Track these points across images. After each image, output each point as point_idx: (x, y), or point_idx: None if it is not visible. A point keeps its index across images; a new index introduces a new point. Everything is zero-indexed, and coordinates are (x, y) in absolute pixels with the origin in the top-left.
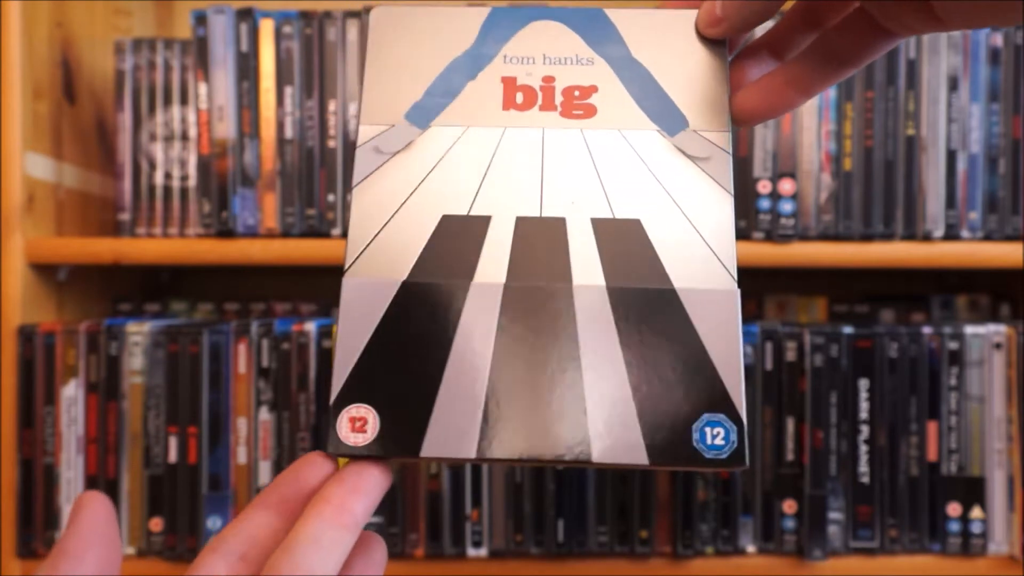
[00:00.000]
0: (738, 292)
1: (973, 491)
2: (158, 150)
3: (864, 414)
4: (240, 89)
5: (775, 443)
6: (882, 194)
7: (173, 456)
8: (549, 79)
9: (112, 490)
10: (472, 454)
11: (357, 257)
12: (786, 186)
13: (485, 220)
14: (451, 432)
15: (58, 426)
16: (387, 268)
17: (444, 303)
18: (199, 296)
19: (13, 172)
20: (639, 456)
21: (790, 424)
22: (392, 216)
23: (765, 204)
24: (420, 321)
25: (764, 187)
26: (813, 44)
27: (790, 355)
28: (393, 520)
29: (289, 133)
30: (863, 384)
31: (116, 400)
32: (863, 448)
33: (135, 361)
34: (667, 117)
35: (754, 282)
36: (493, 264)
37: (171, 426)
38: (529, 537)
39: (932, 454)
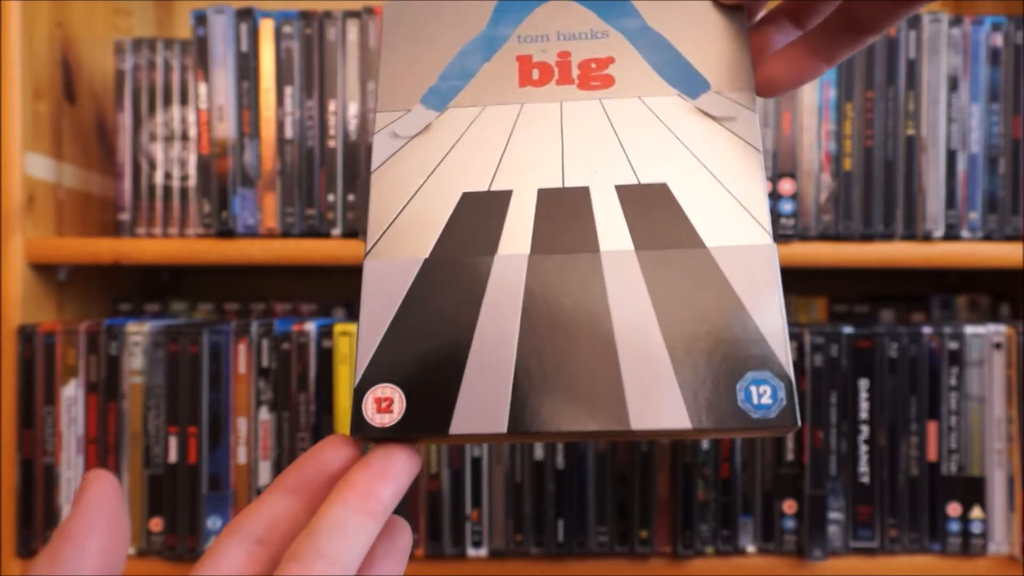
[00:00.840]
0: (775, 246)
1: (973, 491)
2: (158, 150)
3: (864, 414)
4: (240, 89)
5: (775, 443)
6: (882, 194)
7: (173, 456)
8: (564, 54)
9: None
10: (503, 429)
11: (378, 239)
12: (786, 186)
13: (506, 194)
14: (481, 408)
15: (58, 426)
16: (408, 248)
17: (468, 278)
18: (199, 296)
19: (13, 172)
20: (681, 420)
21: None
22: (411, 197)
23: None
24: (444, 298)
25: None
26: (835, 11)
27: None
28: None
29: (289, 133)
30: (863, 384)
31: (116, 400)
32: (863, 448)
33: (135, 361)
34: (688, 81)
35: None
36: (516, 237)
37: (171, 426)
38: (529, 537)
39: (932, 454)
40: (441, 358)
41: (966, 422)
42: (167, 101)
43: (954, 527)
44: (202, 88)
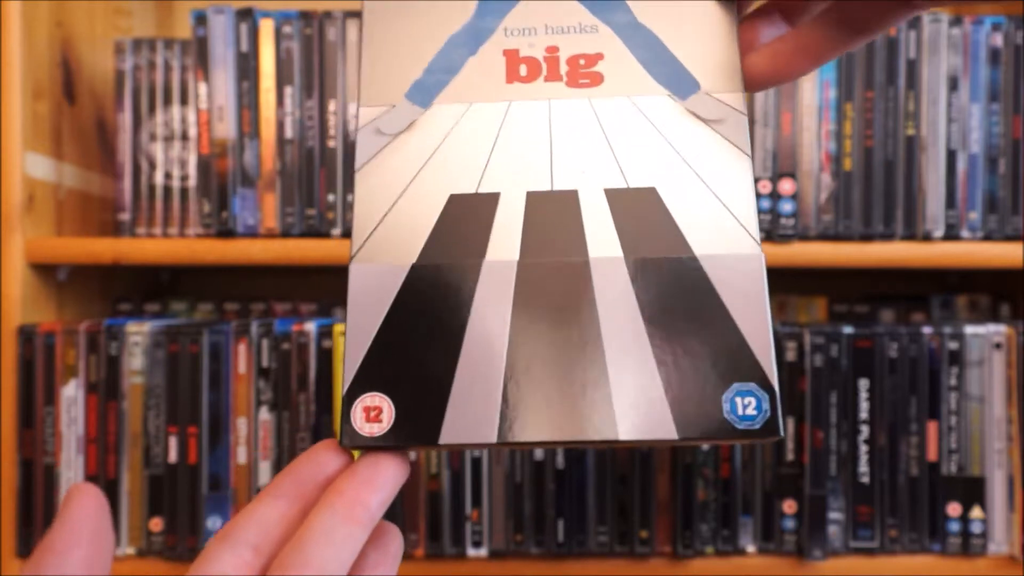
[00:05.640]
0: (763, 256)
1: (973, 491)
2: (158, 150)
3: (864, 414)
4: (240, 89)
5: (775, 443)
6: (882, 194)
7: (173, 456)
8: (553, 49)
9: (112, 490)
10: (493, 439)
11: (364, 243)
12: (786, 186)
13: (494, 197)
14: (470, 417)
15: (58, 426)
16: (395, 253)
17: (456, 285)
18: (199, 296)
19: (13, 172)
20: (668, 431)
21: (790, 424)
22: (397, 199)
23: (765, 204)
24: (432, 305)
25: (764, 187)
26: (828, 9)
27: (790, 355)
28: (393, 520)
29: (289, 133)
30: (863, 384)
31: (116, 400)
32: (863, 448)
33: (135, 361)
34: (678, 81)
35: None
36: (505, 242)
37: (171, 426)
38: (529, 537)
39: (932, 454)
40: (430, 366)
41: (966, 422)
42: (167, 101)
43: (954, 527)
44: (202, 88)
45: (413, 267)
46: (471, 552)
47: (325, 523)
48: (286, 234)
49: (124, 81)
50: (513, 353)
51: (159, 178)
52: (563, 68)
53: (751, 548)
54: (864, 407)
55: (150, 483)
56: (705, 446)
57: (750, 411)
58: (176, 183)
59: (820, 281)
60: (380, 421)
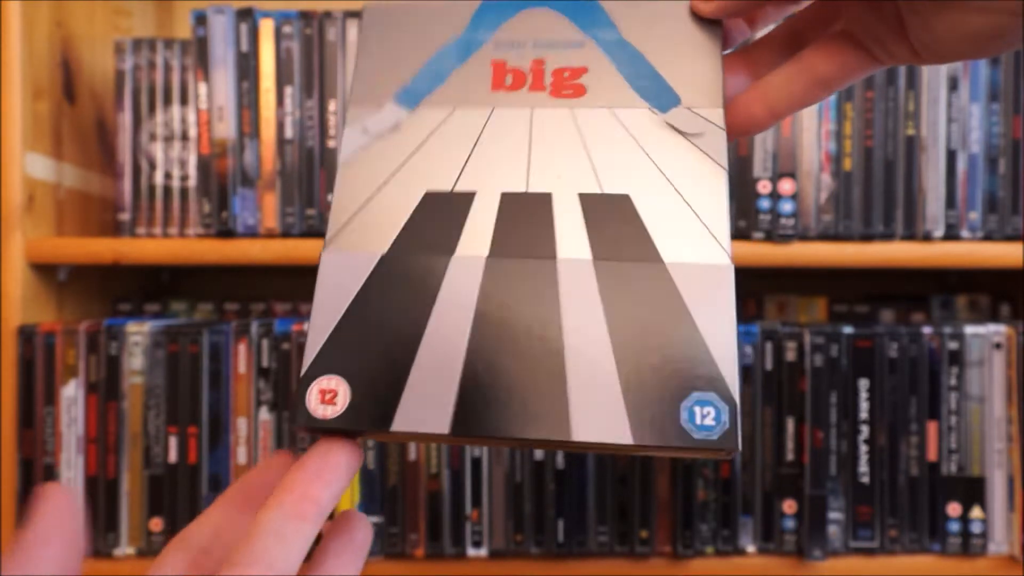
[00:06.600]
0: (731, 267)
1: (973, 491)
2: (158, 150)
3: (864, 414)
4: (240, 89)
5: (775, 443)
6: (882, 194)
7: (173, 456)
8: (539, 62)
9: (112, 490)
10: (446, 430)
11: (338, 232)
12: (786, 186)
13: (469, 196)
14: (425, 407)
15: (58, 426)
16: (367, 242)
17: (423, 277)
18: (199, 296)
19: (13, 172)
20: (622, 435)
21: (790, 424)
22: (375, 193)
23: (765, 204)
24: (398, 294)
25: (764, 187)
26: (791, 62)
27: (790, 355)
28: (393, 520)
29: (289, 133)
30: (863, 384)
31: (116, 400)
32: (863, 448)
33: (135, 361)
34: (659, 95)
35: (754, 282)
36: (476, 239)
37: (171, 426)
38: (529, 537)
39: (932, 454)
40: (390, 354)
41: (966, 422)
42: (167, 101)
43: (954, 527)
44: (202, 88)
45: (383, 257)
46: (471, 552)
47: (273, 520)
48: (286, 234)
49: (124, 81)
50: (474, 347)
51: (159, 178)
52: (548, 79)
53: (751, 548)
54: (864, 407)
55: (150, 483)
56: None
57: (709, 421)
58: (176, 183)
59: (820, 281)
60: (335, 404)
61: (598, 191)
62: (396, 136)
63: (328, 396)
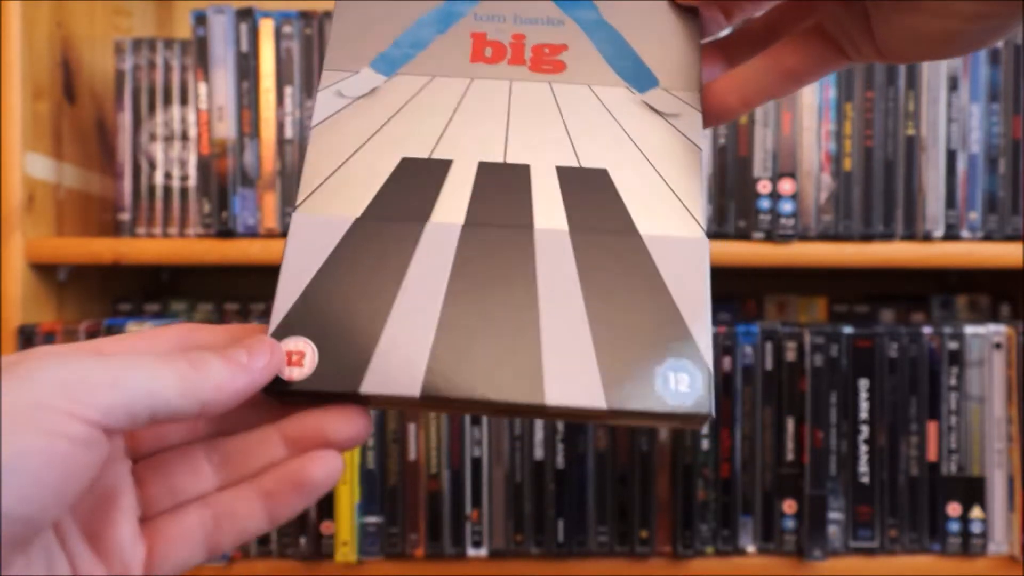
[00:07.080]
0: (707, 241)
1: (973, 491)
2: (158, 150)
3: (864, 414)
4: (240, 89)
5: (775, 443)
6: (882, 194)
7: None
8: (519, 36)
9: None
10: (416, 392)
11: (310, 194)
12: (786, 186)
13: (446, 164)
14: (396, 369)
15: None
16: (340, 206)
17: (397, 242)
18: (199, 296)
19: (13, 172)
20: (596, 399)
21: (790, 424)
22: (349, 157)
23: (765, 204)
24: (370, 258)
25: (764, 187)
26: (765, 54)
27: (790, 355)
28: (393, 520)
29: (289, 133)
30: (863, 384)
31: None
32: (863, 448)
33: None
34: (637, 76)
35: (754, 282)
36: (452, 206)
37: None
38: (529, 537)
39: (932, 454)
40: (360, 317)
41: (966, 422)
42: (167, 101)
43: (954, 527)
44: (202, 88)
45: (356, 220)
46: (471, 552)
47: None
48: (286, 234)
49: (124, 81)
50: (447, 311)
51: (159, 178)
52: (527, 54)
53: (751, 548)
54: (864, 407)
55: None
56: (634, 425)
57: (683, 387)
58: (176, 183)
59: (820, 281)
60: (302, 366)
61: (576, 164)
62: (372, 101)
63: (295, 358)
